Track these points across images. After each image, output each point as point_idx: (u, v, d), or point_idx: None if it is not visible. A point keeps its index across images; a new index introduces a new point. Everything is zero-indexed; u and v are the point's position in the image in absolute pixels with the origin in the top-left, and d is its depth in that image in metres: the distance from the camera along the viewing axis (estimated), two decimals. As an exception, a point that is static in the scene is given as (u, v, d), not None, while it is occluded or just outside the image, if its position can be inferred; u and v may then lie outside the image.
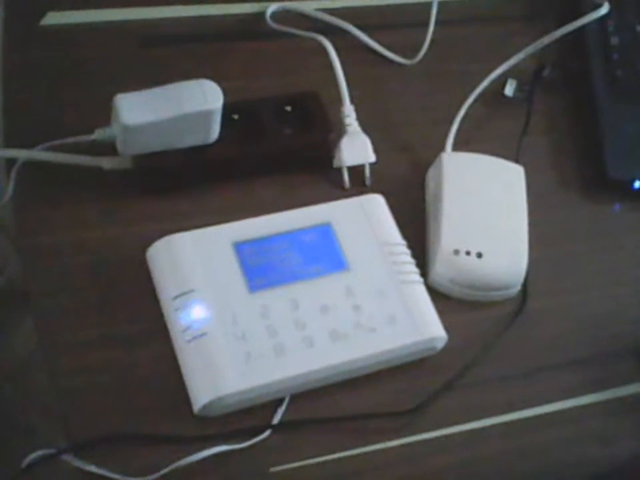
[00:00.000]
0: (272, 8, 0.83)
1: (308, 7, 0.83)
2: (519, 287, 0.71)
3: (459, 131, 0.77)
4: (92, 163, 0.69)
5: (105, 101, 0.65)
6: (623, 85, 0.84)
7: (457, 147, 0.77)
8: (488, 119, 0.82)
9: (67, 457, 0.57)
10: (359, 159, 0.74)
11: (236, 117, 0.70)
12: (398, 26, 0.86)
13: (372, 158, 0.74)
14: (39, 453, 0.57)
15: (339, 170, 0.74)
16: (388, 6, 0.88)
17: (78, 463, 0.57)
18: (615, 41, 0.87)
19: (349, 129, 0.74)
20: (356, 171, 0.74)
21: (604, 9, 0.84)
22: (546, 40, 0.82)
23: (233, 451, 0.59)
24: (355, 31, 0.84)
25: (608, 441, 0.66)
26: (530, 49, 0.82)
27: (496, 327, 0.69)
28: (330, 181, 0.74)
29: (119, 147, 0.66)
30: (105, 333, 0.63)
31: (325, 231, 0.67)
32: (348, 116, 0.75)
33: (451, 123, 0.78)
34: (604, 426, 0.67)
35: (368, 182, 0.74)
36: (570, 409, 0.67)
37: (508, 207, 0.72)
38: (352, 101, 0.76)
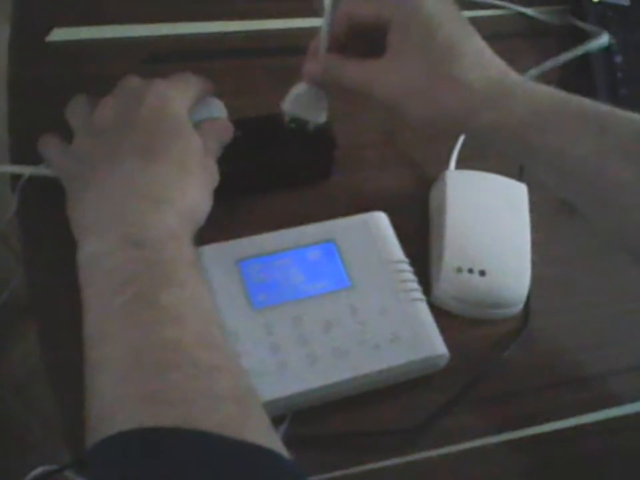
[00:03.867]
0: (274, 25, 0.84)
1: (309, 24, 0.84)
2: (521, 305, 0.71)
3: (462, 148, 0.77)
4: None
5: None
6: (628, 103, 0.84)
7: (460, 164, 0.77)
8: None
9: (70, 473, 0.57)
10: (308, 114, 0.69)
11: (239, 133, 0.70)
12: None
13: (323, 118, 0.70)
14: (42, 468, 0.57)
15: (341, 185, 0.74)
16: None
17: (81, 479, 0.57)
18: (619, 59, 0.87)
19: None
20: (354, 187, 0.75)
21: (604, 39, 0.85)
22: (549, 64, 0.83)
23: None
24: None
25: (609, 461, 0.66)
26: (533, 72, 0.82)
27: (498, 344, 0.69)
28: (333, 197, 0.74)
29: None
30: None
31: (328, 248, 0.67)
32: None
33: (454, 140, 0.78)
34: (605, 445, 0.67)
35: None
36: (572, 428, 0.66)
37: (511, 224, 0.73)
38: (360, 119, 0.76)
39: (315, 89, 0.67)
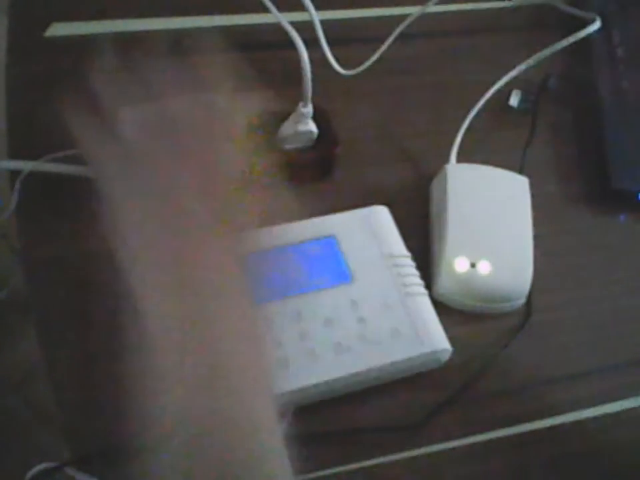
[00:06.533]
0: (274, 18, 0.83)
1: (306, 18, 0.83)
2: (523, 299, 0.70)
3: (463, 142, 0.77)
4: (96, 174, 0.68)
5: (109, 112, 0.65)
6: (629, 96, 0.84)
7: (461, 158, 0.76)
8: (492, 130, 0.82)
9: (70, 470, 0.57)
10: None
11: (241, 128, 0.70)
12: (407, 37, 0.86)
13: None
14: (43, 465, 0.57)
15: (341, 180, 0.74)
16: (389, 17, 0.88)
17: (81, 476, 0.56)
18: (620, 52, 0.87)
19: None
20: (355, 181, 0.74)
21: (596, 24, 0.85)
22: (547, 52, 0.82)
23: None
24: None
25: (612, 456, 0.66)
26: (531, 61, 0.82)
27: (501, 339, 0.69)
28: (334, 192, 0.74)
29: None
30: (109, 346, 0.62)
31: (329, 243, 0.67)
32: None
33: (455, 133, 0.78)
34: (609, 440, 0.67)
35: None
36: (575, 423, 0.66)
37: (513, 218, 0.72)
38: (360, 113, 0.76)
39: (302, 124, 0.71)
